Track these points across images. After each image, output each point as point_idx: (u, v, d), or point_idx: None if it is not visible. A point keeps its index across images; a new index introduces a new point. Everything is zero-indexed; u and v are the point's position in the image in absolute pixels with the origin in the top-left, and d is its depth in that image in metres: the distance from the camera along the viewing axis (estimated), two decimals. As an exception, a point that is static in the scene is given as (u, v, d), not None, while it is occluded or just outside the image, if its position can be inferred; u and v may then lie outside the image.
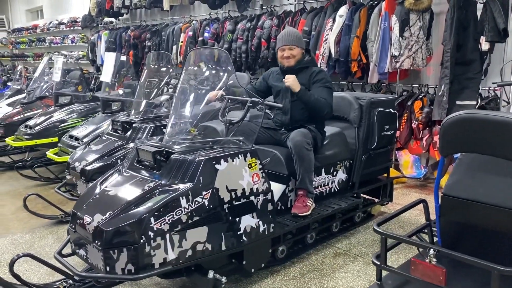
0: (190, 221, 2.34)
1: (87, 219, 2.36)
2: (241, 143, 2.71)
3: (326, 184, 3.47)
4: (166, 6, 8.22)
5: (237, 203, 2.54)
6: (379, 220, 2.00)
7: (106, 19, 10.73)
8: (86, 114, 5.59)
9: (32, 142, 5.24)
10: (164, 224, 2.27)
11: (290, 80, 3.04)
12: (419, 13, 4.79)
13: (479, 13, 4.52)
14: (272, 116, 2.97)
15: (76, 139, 4.64)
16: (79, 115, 5.57)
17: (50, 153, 4.72)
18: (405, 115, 5.03)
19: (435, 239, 2.31)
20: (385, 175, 4.05)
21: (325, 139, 3.41)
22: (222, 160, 2.49)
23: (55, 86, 5.78)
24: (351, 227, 3.78)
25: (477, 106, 4.49)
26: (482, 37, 4.43)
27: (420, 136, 4.92)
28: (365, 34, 5.21)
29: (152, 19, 9.55)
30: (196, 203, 2.37)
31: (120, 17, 10.11)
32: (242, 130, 2.93)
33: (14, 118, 6.17)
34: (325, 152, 3.40)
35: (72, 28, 12.31)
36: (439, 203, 2.20)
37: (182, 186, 2.38)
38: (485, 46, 4.45)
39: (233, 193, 2.51)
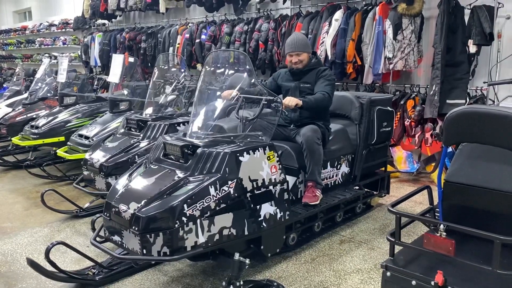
0: (217, 208, 2.57)
1: (123, 207, 2.56)
2: (260, 137, 2.95)
3: (331, 176, 3.73)
4: (162, 9, 8.40)
5: (258, 192, 2.77)
6: (392, 202, 2.26)
7: (99, 21, 10.82)
8: (90, 114, 5.75)
9: (40, 142, 5.38)
10: (195, 210, 2.49)
11: (287, 103, 3.12)
12: (411, 18, 5.11)
13: (466, 18, 4.85)
14: (286, 113, 3.22)
15: (86, 137, 4.80)
16: (84, 115, 5.72)
17: (60, 152, 4.87)
18: (398, 113, 5.34)
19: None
20: (383, 169, 4.33)
21: (330, 134, 3.68)
22: (245, 153, 2.72)
23: (60, 87, 5.93)
24: (353, 217, 4.05)
25: (465, 105, 4.81)
26: (470, 41, 4.77)
27: (413, 133, 5.24)
28: (359, 37, 5.50)
29: (146, 21, 9.71)
30: (223, 191, 2.59)
31: (113, 19, 10.23)
32: (256, 127, 3.17)
33: (17, 119, 6.29)
34: (330, 147, 3.66)
35: (63, 30, 12.36)
36: (441, 189, 2.48)
37: (210, 176, 2.60)
38: (472, 48, 4.79)
39: (254, 183, 2.75)
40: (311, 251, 3.41)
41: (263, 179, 2.81)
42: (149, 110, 4.30)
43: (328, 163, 3.68)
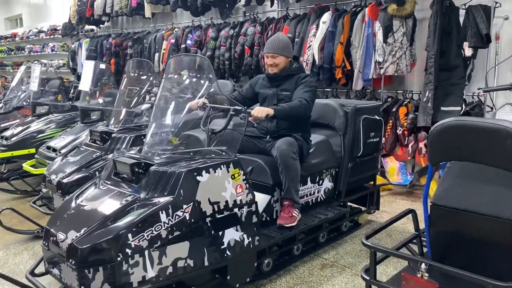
0: (170, 237, 2.23)
1: (61, 236, 2.23)
2: (223, 153, 2.61)
3: (312, 193, 3.39)
4: (148, 13, 8.12)
5: (220, 216, 2.43)
6: (368, 232, 1.92)
7: (87, 27, 10.56)
8: (64, 124, 5.42)
9: (8, 154, 5.05)
10: (142, 241, 2.15)
11: (256, 114, 2.78)
12: (402, 19, 4.78)
13: (461, 19, 4.52)
14: (255, 125, 2.88)
15: (54, 150, 4.47)
16: (58, 125, 5.39)
17: (26, 165, 4.54)
18: (390, 121, 5.00)
19: (425, 249, 2.24)
20: (372, 182, 3.99)
21: (311, 147, 3.33)
22: (203, 172, 2.38)
23: (33, 96, 5.61)
24: (338, 236, 3.70)
25: (461, 112, 4.48)
26: (465, 43, 4.43)
27: (406, 143, 4.89)
28: (348, 41, 5.18)
29: (133, 26, 9.43)
30: (177, 217, 2.25)
31: (101, 25, 9.97)
32: (225, 139, 2.85)
33: (-11, 130, 5.96)
34: (311, 161, 3.32)
35: (52, 36, 12.09)
36: (428, 213, 2.14)
37: (162, 200, 2.26)
38: (468, 51, 4.45)
39: (215, 206, 2.41)
40: (288, 278, 3.05)
41: (226, 201, 2.47)
42: (116, 121, 3.96)
43: (309, 179, 3.33)
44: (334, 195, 3.60)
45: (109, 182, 2.54)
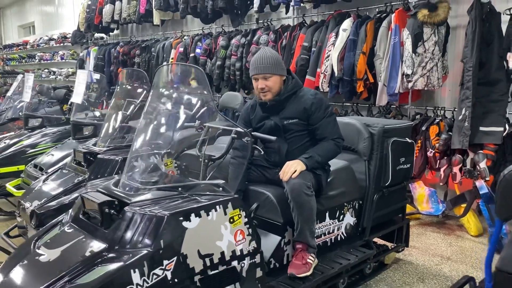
0: (145, 303, 1.70)
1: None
2: (220, 188, 2.07)
3: (330, 231, 2.83)
4: (156, 20, 7.72)
5: (213, 272, 1.89)
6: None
7: (97, 35, 10.24)
8: (59, 138, 4.95)
9: (-7, 171, 4.60)
10: (106, 310, 1.62)
11: (291, 172, 2.38)
12: (434, 27, 4.21)
13: (503, 27, 3.94)
14: (262, 152, 2.34)
15: (41, 169, 4.00)
16: (52, 140, 4.93)
17: (10, 185, 4.07)
18: (419, 141, 4.41)
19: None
20: (400, 215, 3.41)
21: (329, 175, 2.78)
22: (192, 215, 1.85)
23: (25, 107, 5.18)
24: (361, 280, 3.11)
25: (505, 133, 3.88)
26: (509, 54, 3.85)
27: (437, 166, 4.29)
28: (372, 50, 4.63)
29: (143, 34, 9.04)
30: (155, 277, 1.72)
31: (110, 33, 9.62)
32: (225, 169, 2.33)
33: (-19, 143, 5.54)
34: (329, 192, 2.77)
35: (62, 44, 11.83)
36: (491, 282, 1.58)
37: (135, 253, 1.73)
38: (512, 63, 3.86)
39: (207, 260, 1.87)
40: None
41: (222, 253, 1.93)
42: (103, 139, 3.45)
43: (327, 214, 2.78)
44: (357, 232, 3.03)
45: (76, 224, 2.02)
